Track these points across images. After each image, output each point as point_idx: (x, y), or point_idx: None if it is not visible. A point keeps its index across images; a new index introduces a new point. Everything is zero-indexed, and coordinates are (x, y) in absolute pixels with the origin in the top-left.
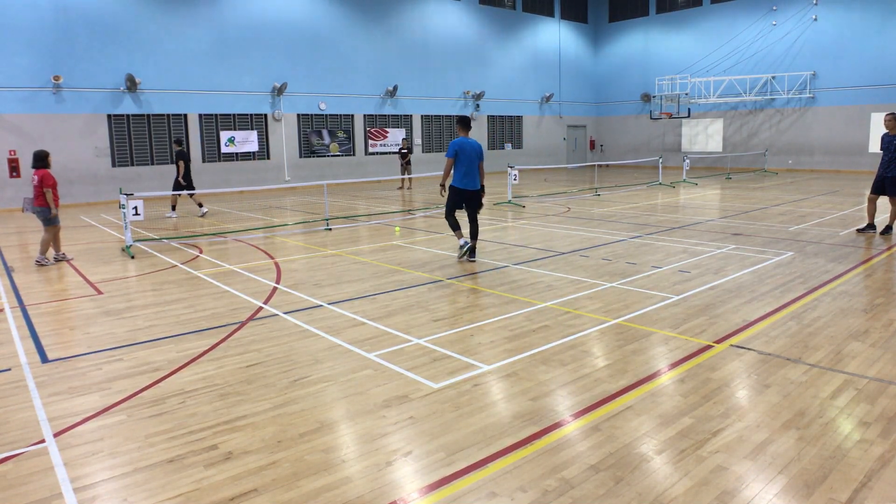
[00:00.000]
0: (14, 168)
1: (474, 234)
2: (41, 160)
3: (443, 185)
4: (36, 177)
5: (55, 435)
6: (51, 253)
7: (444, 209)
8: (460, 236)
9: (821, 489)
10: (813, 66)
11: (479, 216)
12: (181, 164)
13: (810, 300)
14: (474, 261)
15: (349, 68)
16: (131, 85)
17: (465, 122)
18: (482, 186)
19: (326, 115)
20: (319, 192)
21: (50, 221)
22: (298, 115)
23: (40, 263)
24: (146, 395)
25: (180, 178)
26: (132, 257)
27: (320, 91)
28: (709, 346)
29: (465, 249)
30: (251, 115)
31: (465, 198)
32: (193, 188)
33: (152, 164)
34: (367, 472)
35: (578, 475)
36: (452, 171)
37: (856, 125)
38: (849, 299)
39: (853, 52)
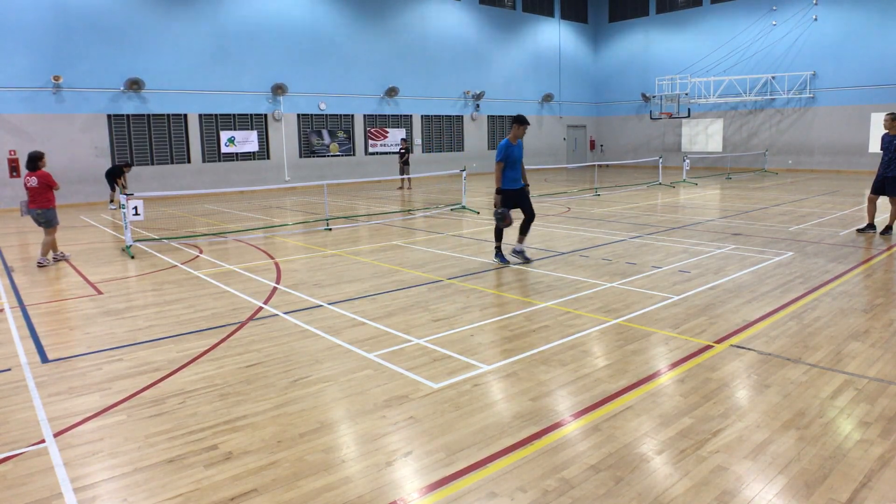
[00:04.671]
0: (14, 168)
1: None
2: (37, 161)
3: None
4: (33, 179)
5: (55, 435)
6: (50, 254)
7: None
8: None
9: (821, 489)
10: (813, 66)
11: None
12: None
13: (810, 300)
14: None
15: (349, 68)
16: (137, 88)
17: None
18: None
19: (326, 115)
20: (319, 192)
21: (51, 223)
22: (298, 115)
23: (41, 265)
24: (146, 395)
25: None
26: (132, 257)
27: (320, 91)
28: (709, 346)
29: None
30: (251, 115)
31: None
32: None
33: (152, 164)
34: (367, 473)
35: (578, 475)
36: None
37: (856, 125)
38: (849, 299)
39: (853, 52)
